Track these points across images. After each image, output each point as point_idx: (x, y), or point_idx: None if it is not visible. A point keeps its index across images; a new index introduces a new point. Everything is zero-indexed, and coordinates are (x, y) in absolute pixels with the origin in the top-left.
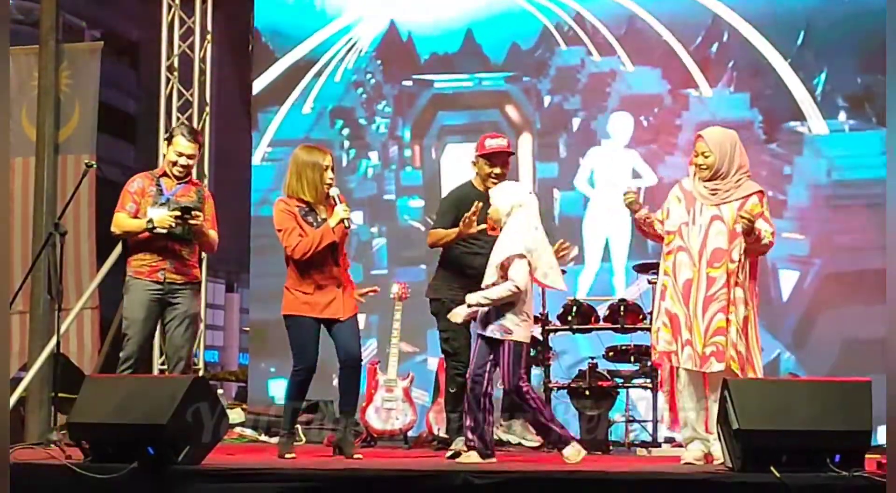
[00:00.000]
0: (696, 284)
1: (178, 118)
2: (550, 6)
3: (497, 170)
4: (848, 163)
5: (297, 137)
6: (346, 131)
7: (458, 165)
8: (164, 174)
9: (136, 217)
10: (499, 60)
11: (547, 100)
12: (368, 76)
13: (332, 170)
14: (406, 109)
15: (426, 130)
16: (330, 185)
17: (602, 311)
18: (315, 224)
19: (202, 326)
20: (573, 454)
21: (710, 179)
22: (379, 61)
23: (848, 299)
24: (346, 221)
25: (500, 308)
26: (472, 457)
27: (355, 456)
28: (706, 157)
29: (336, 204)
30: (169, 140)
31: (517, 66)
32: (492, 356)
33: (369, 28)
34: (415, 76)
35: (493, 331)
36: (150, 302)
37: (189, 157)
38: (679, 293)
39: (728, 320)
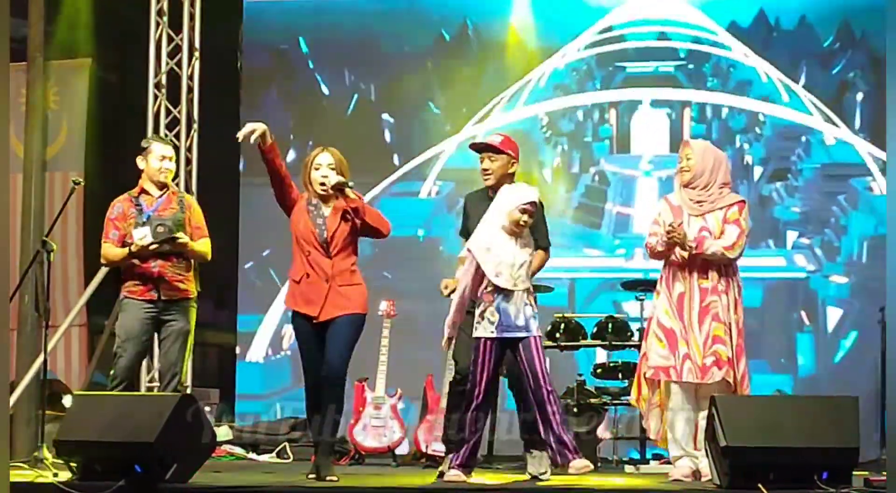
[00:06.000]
0: (689, 296)
1: (167, 135)
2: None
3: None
4: None
5: None
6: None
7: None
8: (143, 192)
9: (123, 242)
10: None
11: (710, 82)
12: (573, 72)
13: (321, 168)
14: (608, 85)
15: (620, 101)
16: (323, 183)
17: (590, 327)
18: (317, 216)
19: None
20: (581, 466)
21: (689, 185)
22: (593, 54)
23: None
24: (347, 212)
25: (528, 300)
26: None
27: (328, 479)
28: (688, 159)
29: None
30: (145, 153)
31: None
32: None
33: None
34: (617, 64)
35: (537, 329)
36: (144, 321)
37: (171, 158)
38: (674, 307)
39: (722, 330)
